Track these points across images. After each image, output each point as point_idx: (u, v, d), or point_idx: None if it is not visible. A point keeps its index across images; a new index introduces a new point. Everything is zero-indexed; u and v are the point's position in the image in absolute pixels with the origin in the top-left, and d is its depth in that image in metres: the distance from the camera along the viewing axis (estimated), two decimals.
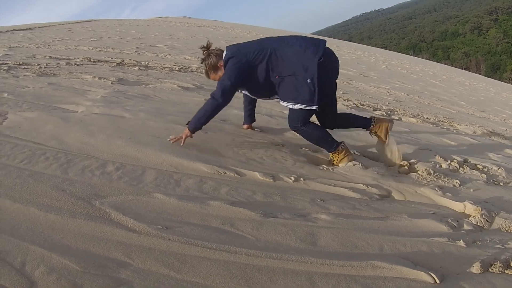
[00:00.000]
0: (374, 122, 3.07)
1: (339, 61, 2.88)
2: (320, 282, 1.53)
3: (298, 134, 2.91)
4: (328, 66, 2.72)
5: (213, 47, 2.98)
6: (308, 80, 2.61)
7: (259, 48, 2.75)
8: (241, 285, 1.47)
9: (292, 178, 2.52)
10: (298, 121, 2.79)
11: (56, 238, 1.62)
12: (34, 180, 2.11)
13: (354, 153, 3.07)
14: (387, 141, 3.05)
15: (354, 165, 2.82)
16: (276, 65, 2.71)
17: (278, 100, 2.91)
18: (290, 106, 2.76)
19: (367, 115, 4.84)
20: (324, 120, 3.03)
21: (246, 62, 2.73)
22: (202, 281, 1.46)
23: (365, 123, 3.09)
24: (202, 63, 2.97)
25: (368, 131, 3.13)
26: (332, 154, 2.90)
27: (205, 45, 2.97)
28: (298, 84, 2.66)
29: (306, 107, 2.69)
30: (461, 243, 1.92)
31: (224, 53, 2.87)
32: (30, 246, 1.54)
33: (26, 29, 13.49)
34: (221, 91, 2.73)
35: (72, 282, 1.38)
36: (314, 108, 2.69)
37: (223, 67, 2.85)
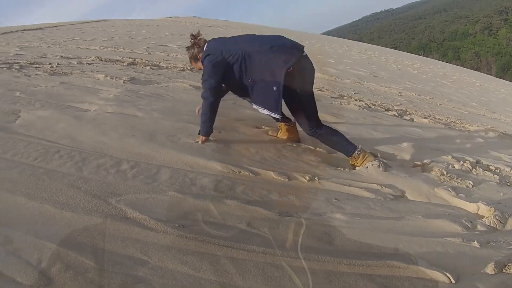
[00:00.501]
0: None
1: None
2: (338, 281, 1.52)
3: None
4: (298, 76, 2.73)
5: (201, 36, 3.04)
6: (274, 88, 2.66)
7: (234, 49, 2.79)
8: (259, 283, 1.47)
9: (307, 178, 2.52)
10: (307, 126, 2.86)
11: (72, 236, 1.62)
12: (49, 178, 2.12)
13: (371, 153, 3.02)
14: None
15: (373, 165, 2.80)
16: (250, 69, 2.75)
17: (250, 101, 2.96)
18: (260, 110, 2.82)
19: (378, 115, 4.81)
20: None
21: (222, 60, 2.78)
22: (219, 279, 1.46)
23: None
24: (187, 50, 3.08)
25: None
26: (351, 159, 2.90)
27: (194, 34, 3.04)
28: (267, 90, 2.71)
29: (271, 114, 2.76)
30: (475, 243, 1.91)
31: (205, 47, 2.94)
32: (46, 243, 1.54)
33: (37, 29, 13.59)
34: (208, 91, 2.81)
35: (89, 280, 1.38)
36: (278, 116, 2.76)
37: (201, 61, 2.92)
